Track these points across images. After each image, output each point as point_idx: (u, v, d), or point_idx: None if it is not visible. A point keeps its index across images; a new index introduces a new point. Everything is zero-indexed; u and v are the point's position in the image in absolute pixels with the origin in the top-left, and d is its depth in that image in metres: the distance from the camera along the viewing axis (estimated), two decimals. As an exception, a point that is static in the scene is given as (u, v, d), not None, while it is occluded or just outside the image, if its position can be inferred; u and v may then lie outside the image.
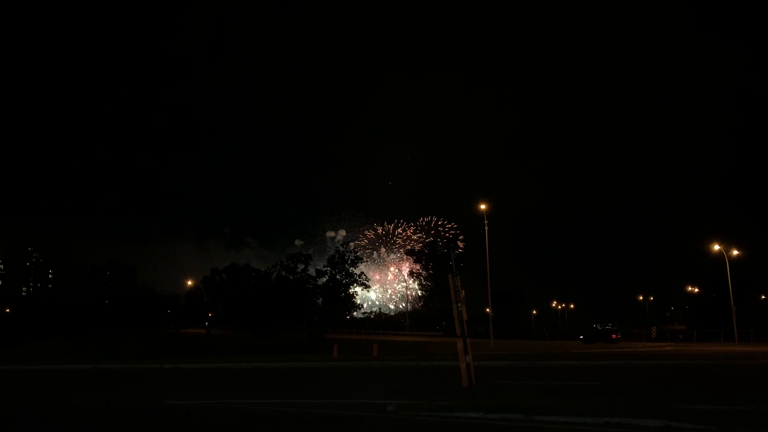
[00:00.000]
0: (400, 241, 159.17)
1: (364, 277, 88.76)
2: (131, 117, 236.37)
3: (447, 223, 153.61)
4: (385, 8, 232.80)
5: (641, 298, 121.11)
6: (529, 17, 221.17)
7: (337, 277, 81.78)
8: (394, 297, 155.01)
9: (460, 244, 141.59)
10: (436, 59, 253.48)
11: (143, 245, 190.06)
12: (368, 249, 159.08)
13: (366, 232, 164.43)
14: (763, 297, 77.61)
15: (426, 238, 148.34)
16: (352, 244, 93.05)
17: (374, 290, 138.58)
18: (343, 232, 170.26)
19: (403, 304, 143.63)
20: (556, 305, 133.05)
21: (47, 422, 12.26)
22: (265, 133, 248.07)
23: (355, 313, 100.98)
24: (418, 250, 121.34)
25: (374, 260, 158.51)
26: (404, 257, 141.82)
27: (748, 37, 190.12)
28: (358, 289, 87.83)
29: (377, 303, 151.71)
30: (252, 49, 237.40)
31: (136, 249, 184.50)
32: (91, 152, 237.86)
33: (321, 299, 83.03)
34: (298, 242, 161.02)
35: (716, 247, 63.18)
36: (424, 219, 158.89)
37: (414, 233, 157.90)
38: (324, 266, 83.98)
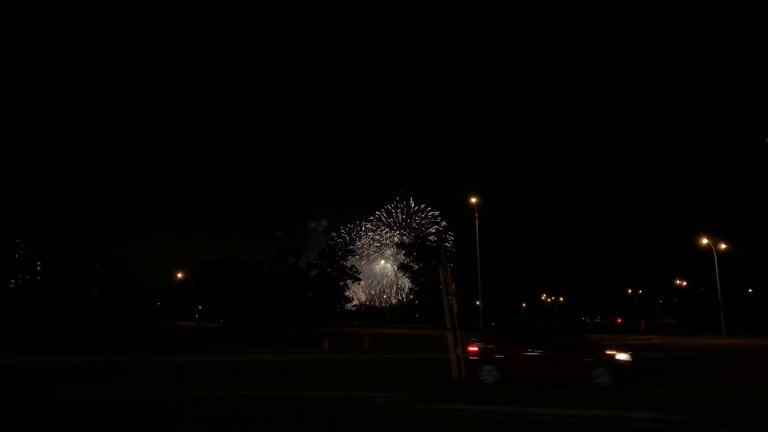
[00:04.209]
0: (388, 232, 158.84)
1: (355, 270, 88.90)
2: (111, 109, 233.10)
3: (438, 217, 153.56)
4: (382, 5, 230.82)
5: (630, 291, 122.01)
6: (527, 13, 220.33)
7: (328, 269, 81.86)
8: (384, 290, 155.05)
9: (451, 238, 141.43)
10: (430, 53, 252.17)
11: (126, 237, 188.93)
12: (356, 240, 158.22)
13: (349, 225, 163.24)
14: (750, 291, 78.32)
15: (417, 231, 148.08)
16: (345, 235, 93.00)
17: (364, 282, 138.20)
18: (324, 223, 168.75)
19: (393, 296, 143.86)
20: (546, 298, 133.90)
21: (34, 417, 12.20)
22: (244, 123, 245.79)
23: (345, 306, 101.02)
24: (409, 243, 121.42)
25: (363, 251, 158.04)
26: (394, 249, 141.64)
27: (748, 37, 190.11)
28: (348, 281, 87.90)
29: (367, 295, 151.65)
30: (241, 45, 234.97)
31: (120, 241, 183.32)
32: (74, 144, 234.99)
33: (312, 292, 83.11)
34: (278, 233, 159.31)
35: (704, 241, 63.77)
36: (414, 211, 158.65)
37: (402, 225, 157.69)
38: (315, 259, 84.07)
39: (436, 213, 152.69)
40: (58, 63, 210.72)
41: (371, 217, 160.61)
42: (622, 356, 15.37)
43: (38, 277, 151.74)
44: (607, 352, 15.54)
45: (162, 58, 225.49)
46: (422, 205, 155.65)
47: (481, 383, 15.61)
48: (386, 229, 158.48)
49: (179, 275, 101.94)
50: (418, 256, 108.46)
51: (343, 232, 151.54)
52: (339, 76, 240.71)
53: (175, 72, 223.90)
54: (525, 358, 15.77)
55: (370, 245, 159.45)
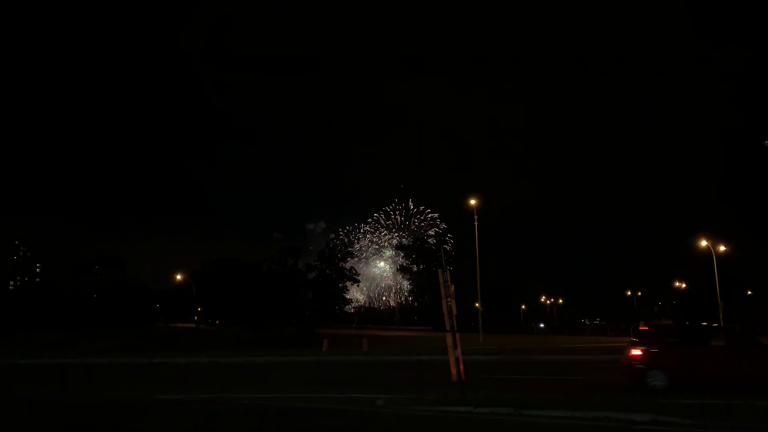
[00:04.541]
0: (387, 234, 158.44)
1: (354, 272, 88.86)
2: (111, 109, 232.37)
3: (437, 218, 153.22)
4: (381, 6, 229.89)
5: (629, 293, 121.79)
6: (527, 13, 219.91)
7: (327, 271, 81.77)
8: (383, 292, 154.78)
9: (450, 240, 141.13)
10: (431, 53, 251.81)
11: (126, 237, 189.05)
12: (355, 242, 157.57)
13: (348, 227, 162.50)
14: (749, 292, 78.34)
15: (416, 233, 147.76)
16: (344, 237, 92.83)
17: (363, 284, 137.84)
18: (323, 225, 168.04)
19: (392, 298, 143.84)
20: (545, 300, 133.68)
21: (29, 417, 12.16)
22: (246, 125, 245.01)
23: (344, 308, 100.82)
24: (408, 245, 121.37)
25: (362, 253, 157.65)
26: (393, 251, 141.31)
27: (748, 37, 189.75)
28: (347, 283, 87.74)
29: (366, 297, 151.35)
30: (241, 45, 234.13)
31: (119, 241, 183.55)
32: (74, 144, 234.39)
33: (311, 293, 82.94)
34: (277, 234, 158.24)
35: (704, 243, 63.71)
36: (413, 213, 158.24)
37: (401, 227, 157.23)
38: (314, 260, 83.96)
39: (436, 215, 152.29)
40: (58, 63, 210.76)
41: (369, 219, 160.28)
42: None
43: (37, 278, 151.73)
44: None
45: (162, 58, 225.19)
46: (421, 207, 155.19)
47: (649, 389, 14.67)
48: (385, 231, 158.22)
49: (178, 276, 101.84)
50: (417, 258, 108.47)
51: (341, 234, 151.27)
52: (339, 76, 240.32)
53: (175, 72, 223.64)
54: (695, 361, 14.83)
55: (369, 247, 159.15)
